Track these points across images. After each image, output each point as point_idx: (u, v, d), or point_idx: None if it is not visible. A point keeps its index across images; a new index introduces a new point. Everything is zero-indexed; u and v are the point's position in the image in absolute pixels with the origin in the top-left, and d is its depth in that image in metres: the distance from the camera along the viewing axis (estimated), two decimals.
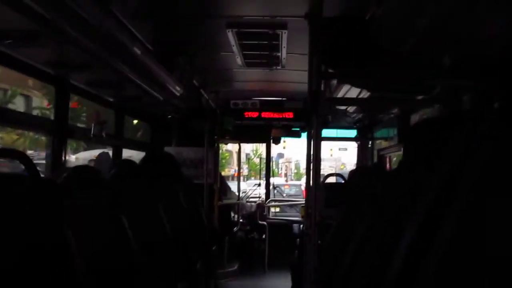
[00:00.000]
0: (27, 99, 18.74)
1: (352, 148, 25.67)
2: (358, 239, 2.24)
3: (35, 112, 17.19)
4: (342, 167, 47.91)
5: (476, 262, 1.19)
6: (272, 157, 12.65)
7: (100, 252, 2.75)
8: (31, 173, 2.32)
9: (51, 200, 2.21)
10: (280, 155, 40.96)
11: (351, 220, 2.79)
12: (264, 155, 12.55)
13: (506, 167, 1.21)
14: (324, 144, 11.17)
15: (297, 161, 49.37)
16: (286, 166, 48.78)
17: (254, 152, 37.38)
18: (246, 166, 36.28)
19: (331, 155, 41.81)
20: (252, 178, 32.12)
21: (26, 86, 17.26)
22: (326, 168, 47.40)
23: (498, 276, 1.13)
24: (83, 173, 3.09)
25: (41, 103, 18.22)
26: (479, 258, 1.19)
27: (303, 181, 27.05)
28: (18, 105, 17.00)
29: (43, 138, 12.13)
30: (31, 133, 15.79)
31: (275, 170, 19.81)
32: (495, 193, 1.20)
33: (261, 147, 20.67)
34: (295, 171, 51.45)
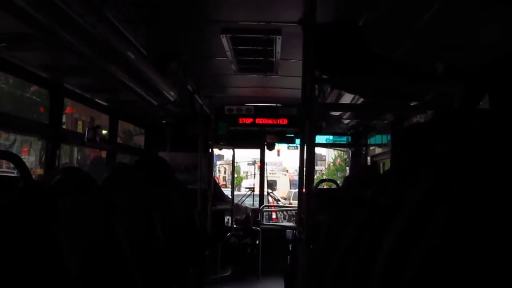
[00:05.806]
0: None
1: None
2: (346, 245, 2.25)
3: None
4: (287, 170, 44.74)
5: (457, 270, 1.20)
6: None
7: (92, 256, 2.74)
8: (23, 175, 2.33)
9: (42, 203, 2.21)
10: (219, 157, 36.96)
11: (340, 226, 2.80)
12: None
13: (490, 177, 1.22)
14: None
15: (237, 163, 45.02)
16: (224, 168, 45.52)
17: None
18: None
19: (278, 155, 34.24)
20: None
21: None
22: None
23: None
24: (75, 176, 3.09)
25: None
26: (460, 266, 1.20)
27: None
28: None
29: None
30: None
31: None
32: (478, 204, 1.21)
33: None
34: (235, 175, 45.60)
